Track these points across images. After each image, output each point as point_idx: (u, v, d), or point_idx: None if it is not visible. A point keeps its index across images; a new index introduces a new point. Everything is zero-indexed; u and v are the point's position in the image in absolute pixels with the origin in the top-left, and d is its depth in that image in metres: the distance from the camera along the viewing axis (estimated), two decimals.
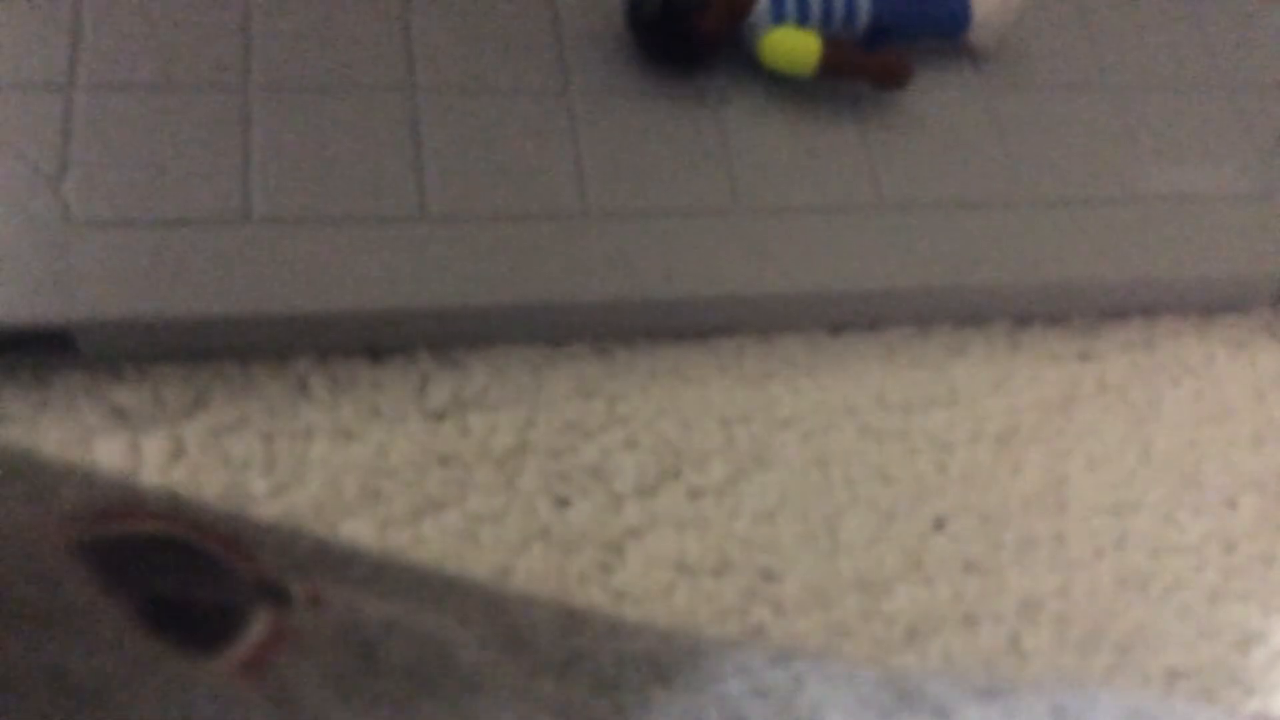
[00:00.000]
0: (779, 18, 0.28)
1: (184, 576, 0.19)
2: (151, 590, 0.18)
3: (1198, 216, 0.30)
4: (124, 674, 0.15)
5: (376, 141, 0.26)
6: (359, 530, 0.24)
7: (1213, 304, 0.30)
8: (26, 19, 0.26)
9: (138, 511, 0.20)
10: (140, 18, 0.27)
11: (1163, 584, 0.26)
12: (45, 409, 0.24)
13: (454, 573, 0.24)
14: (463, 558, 0.24)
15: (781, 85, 0.29)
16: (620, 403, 0.27)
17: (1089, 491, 0.27)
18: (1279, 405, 0.29)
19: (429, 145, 0.26)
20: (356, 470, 0.25)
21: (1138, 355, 0.29)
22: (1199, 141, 0.31)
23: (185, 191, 0.25)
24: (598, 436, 0.26)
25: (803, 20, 0.29)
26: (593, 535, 0.25)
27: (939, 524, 0.26)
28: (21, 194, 0.24)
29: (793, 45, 0.28)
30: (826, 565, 0.26)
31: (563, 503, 0.26)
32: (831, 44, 0.28)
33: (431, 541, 0.24)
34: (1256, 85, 0.33)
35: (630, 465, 0.26)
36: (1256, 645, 0.26)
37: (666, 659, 0.22)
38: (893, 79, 0.29)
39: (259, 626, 0.18)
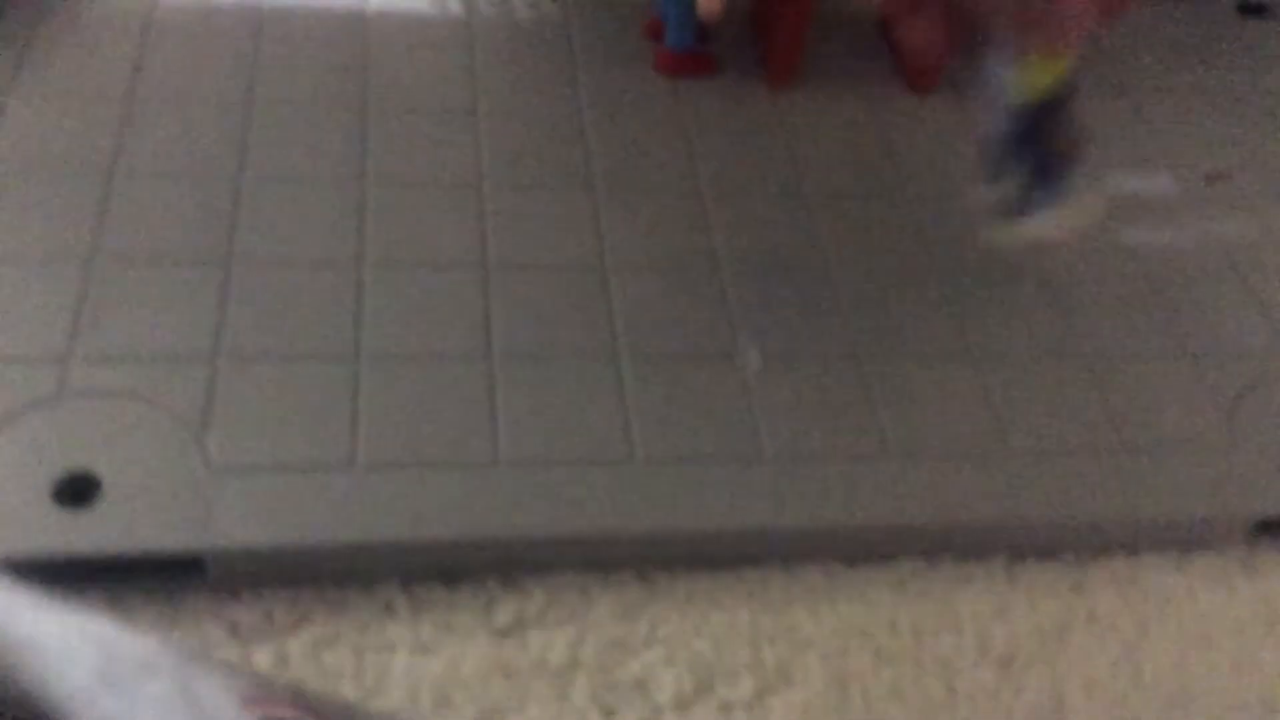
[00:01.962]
0: None
1: None
2: None
3: (1170, 460, 0.34)
4: None
5: (459, 401, 0.32)
6: None
7: (1189, 541, 0.34)
8: (177, 292, 0.33)
9: (274, 699, 0.23)
10: (273, 295, 0.33)
11: None
12: (174, 624, 0.29)
13: None
14: None
15: (797, 342, 0.35)
16: (660, 624, 0.31)
17: (1086, 711, 0.30)
18: (1257, 636, 0.32)
19: (501, 404, 0.32)
20: (432, 681, 0.29)
21: (1124, 588, 0.33)
22: (1167, 391, 0.36)
23: (304, 442, 0.30)
24: (640, 653, 0.30)
25: None
26: None
27: None
28: (171, 443, 0.30)
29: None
30: None
31: (609, 713, 0.29)
32: None
33: None
34: (1216, 354, 0.37)
35: (669, 680, 0.30)
36: None
37: None
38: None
39: None
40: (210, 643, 0.28)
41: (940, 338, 0.36)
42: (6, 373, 0.30)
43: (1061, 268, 0.39)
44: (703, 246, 0.38)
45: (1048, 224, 0.34)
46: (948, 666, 0.31)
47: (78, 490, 0.28)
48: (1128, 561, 0.33)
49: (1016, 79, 0.32)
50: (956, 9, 0.31)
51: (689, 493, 0.31)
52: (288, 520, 0.29)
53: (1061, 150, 0.33)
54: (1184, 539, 0.34)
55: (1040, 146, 0.33)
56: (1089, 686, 0.31)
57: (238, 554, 0.28)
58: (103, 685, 0.16)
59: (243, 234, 0.35)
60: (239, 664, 0.27)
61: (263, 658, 0.28)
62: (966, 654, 0.31)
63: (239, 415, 0.30)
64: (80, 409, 0.30)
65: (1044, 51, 0.31)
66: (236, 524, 0.28)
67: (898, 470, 0.33)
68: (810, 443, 0.33)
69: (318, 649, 0.29)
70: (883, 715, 0.30)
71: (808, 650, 0.31)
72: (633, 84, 0.43)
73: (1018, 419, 0.34)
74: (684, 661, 0.30)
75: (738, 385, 0.34)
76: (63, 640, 0.16)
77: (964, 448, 0.34)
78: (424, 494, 0.30)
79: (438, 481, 0.30)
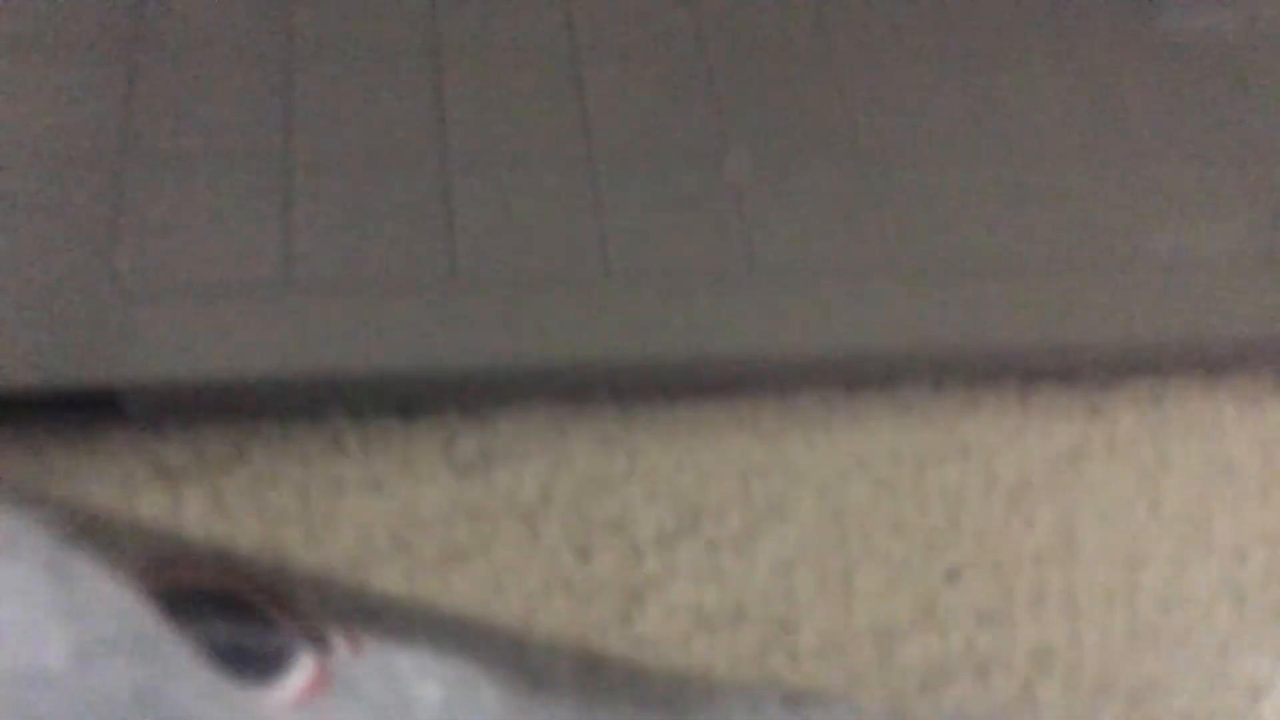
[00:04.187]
0: None
1: (234, 624, 0.20)
2: (207, 635, 0.19)
3: (1204, 278, 0.31)
4: (198, 702, 0.16)
5: (410, 212, 0.28)
6: (389, 579, 0.25)
7: (1220, 363, 0.31)
8: (74, 80, 0.28)
9: (189, 563, 0.21)
10: (188, 85, 0.29)
11: (1173, 635, 0.27)
12: (93, 466, 0.25)
13: (479, 621, 0.25)
14: (488, 605, 0.25)
15: (795, 151, 0.31)
16: (640, 458, 0.28)
17: (1100, 544, 0.28)
18: None
19: (460, 214, 0.28)
20: (387, 522, 0.26)
21: (1146, 412, 0.30)
22: (1204, 204, 0.32)
23: (230, 260, 0.26)
24: (618, 490, 0.27)
25: None
26: (613, 585, 0.26)
27: (952, 575, 0.27)
28: (74, 263, 0.26)
29: None
30: (842, 615, 0.26)
31: (584, 554, 0.26)
32: None
33: (458, 590, 0.25)
34: (1259, 148, 0.34)
35: (650, 518, 0.27)
36: (1267, 695, 0.26)
37: (682, 704, 0.23)
38: None
39: (304, 670, 0.19)
40: (135, 486, 0.25)
41: (960, 135, 0.32)
42: None
43: (1099, 53, 0.34)
44: (688, 27, 0.33)
45: None
46: (952, 498, 0.28)
47: None
48: (1151, 384, 0.30)
49: None
50: None
51: (671, 314, 0.28)
52: (214, 350, 0.25)
53: None
54: (1213, 359, 0.31)
55: None
56: (1103, 519, 0.28)
57: (157, 389, 0.25)
58: None
59: (151, 16, 0.30)
60: (156, 523, 0.24)
61: (195, 501, 0.25)
62: (973, 485, 0.28)
63: (153, 228, 0.26)
64: None
65: None
66: (153, 354, 0.25)
67: (904, 288, 0.29)
68: (807, 257, 0.29)
69: (257, 489, 0.26)
70: (882, 551, 0.27)
71: (801, 483, 0.28)
72: None
73: (1036, 230, 0.31)
74: (666, 497, 0.27)
75: (729, 188, 0.30)
76: None
77: (977, 263, 0.30)
78: (373, 318, 0.26)
79: (388, 304, 0.27)
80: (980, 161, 0.32)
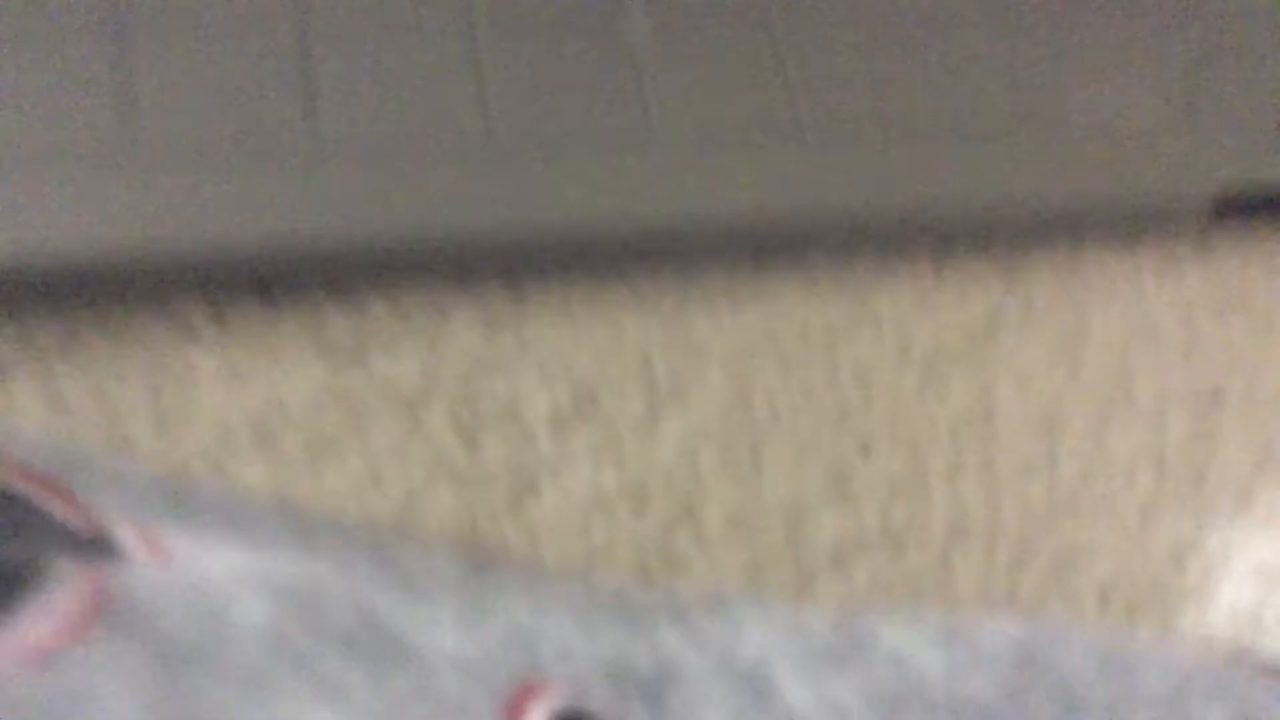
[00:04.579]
0: None
1: None
2: None
3: (1121, 138, 0.29)
4: None
5: (266, 70, 0.25)
6: (252, 476, 0.23)
7: (1139, 222, 0.30)
8: None
9: None
10: None
11: (1093, 503, 0.26)
12: None
13: (335, 515, 0.22)
14: (365, 501, 0.23)
15: (694, 8, 0.28)
16: (531, 338, 0.26)
17: (1017, 413, 0.27)
18: (1207, 321, 0.29)
19: (324, 75, 0.25)
20: (249, 414, 0.23)
21: (1064, 278, 0.29)
22: (1117, 61, 0.31)
23: (56, 121, 0.23)
24: (508, 373, 0.25)
25: None
26: (504, 472, 0.24)
27: (864, 449, 0.26)
28: None
29: None
30: (749, 495, 0.25)
31: (472, 440, 0.24)
32: None
33: (331, 485, 0.23)
34: (1177, 5, 0.32)
35: (543, 401, 0.25)
36: (1190, 558, 0.25)
37: (588, 609, 0.20)
38: None
39: (64, 592, 0.13)
40: None
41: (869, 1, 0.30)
42: None
43: None
44: None
45: None
46: (865, 371, 0.27)
47: None
48: (1069, 249, 0.29)
49: None
50: None
51: (561, 182, 0.25)
52: (42, 225, 0.22)
53: None
54: (1132, 223, 0.30)
55: None
56: (1021, 386, 0.27)
57: None
58: None
59: None
60: None
61: (29, 396, 0.23)
62: (886, 356, 0.27)
63: None
64: None
65: None
66: None
67: (809, 152, 0.27)
68: (709, 122, 0.27)
69: (100, 383, 0.23)
70: (791, 427, 0.26)
71: (706, 361, 0.26)
72: None
73: (949, 91, 0.29)
74: (561, 380, 0.25)
75: (622, 53, 0.27)
76: None
77: (886, 125, 0.28)
78: (225, 189, 0.23)
79: (243, 173, 0.24)
80: (890, 19, 0.30)
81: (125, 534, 0.15)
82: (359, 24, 0.26)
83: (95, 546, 0.15)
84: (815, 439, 0.25)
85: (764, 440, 0.25)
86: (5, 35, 0.24)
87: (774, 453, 0.25)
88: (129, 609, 0.14)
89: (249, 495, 0.20)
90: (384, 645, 0.16)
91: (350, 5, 0.26)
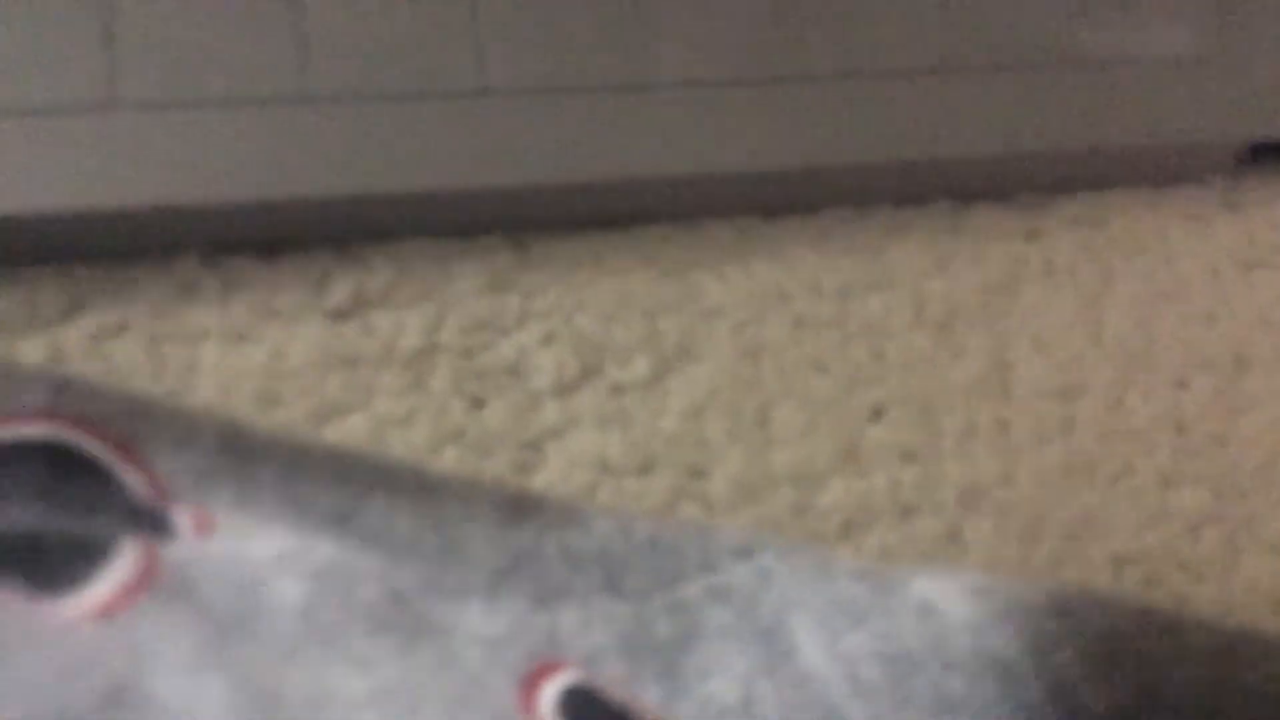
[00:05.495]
0: None
1: (49, 500, 0.16)
2: (4, 521, 0.16)
3: (1147, 81, 0.28)
4: None
5: (255, 17, 0.24)
6: None
7: (1166, 176, 0.29)
8: None
9: (16, 411, 0.17)
10: None
11: (1111, 469, 0.25)
12: None
13: (386, 460, 0.22)
14: None
15: None
16: (536, 297, 0.25)
17: (1034, 376, 0.26)
18: (1235, 281, 0.28)
19: (312, 19, 0.24)
20: (251, 374, 0.23)
21: (1087, 232, 0.28)
22: (1144, 6, 0.29)
23: (42, 76, 0.23)
24: (513, 333, 0.25)
25: None
26: (510, 436, 0.24)
27: (876, 414, 0.25)
28: None
29: None
30: (757, 460, 0.24)
31: (477, 403, 0.24)
32: None
33: None
34: None
35: (548, 362, 0.25)
36: (1208, 529, 0.25)
37: (618, 557, 0.20)
38: None
39: (124, 563, 0.15)
40: None
41: None
42: None
43: None
44: None
45: None
46: (878, 331, 0.26)
47: None
48: (1092, 201, 0.28)
49: None
50: None
51: (564, 132, 0.25)
52: (38, 182, 0.22)
53: None
54: (1158, 172, 0.28)
55: None
56: (1039, 347, 0.26)
57: None
58: None
59: None
60: None
61: (31, 357, 0.22)
62: (900, 315, 0.26)
63: None
64: None
65: None
66: None
67: (823, 98, 0.26)
68: (715, 67, 0.26)
69: (100, 341, 0.23)
70: (802, 389, 0.25)
71: (714, 320, 0.26)
72: None
73: (966, 30, 0.28)
74: (566, 340, 0.25)
75: (623, 3, 0.27)
76: None
77: (901, 69, 0.27)
78: (218, 142, 0.23)
79: (235, 124, 0.23)
80: None
81: (180, 514, 0.17)
82: None
83: (154, 522, 0.17)
84: (825, 402, 0.25)
85: (772, 403, 0.25)
86: None
87: (783, 416, 0.25)
88: (178, 580, 0.16)
89: (309, 455, 0.20)
90: (410, 622, 0.17)
91: None
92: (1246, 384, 0.27)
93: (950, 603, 0.18)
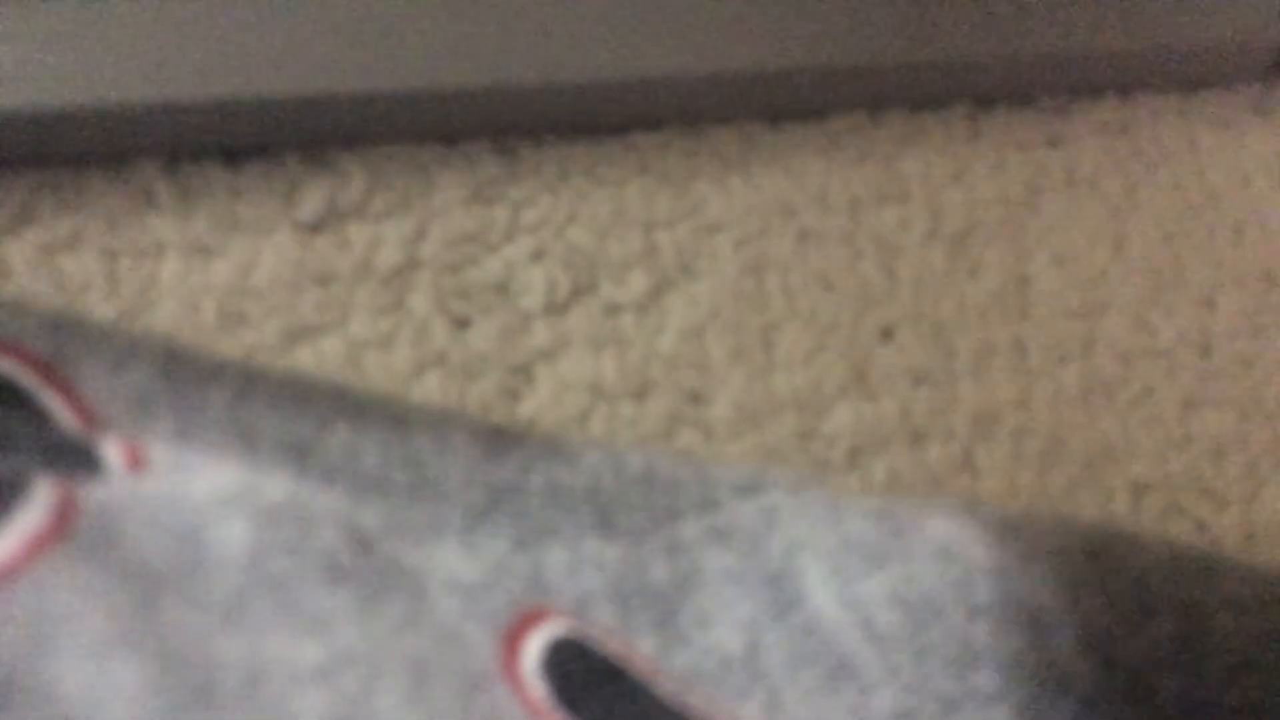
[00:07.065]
0: None
1: None
2: None
3: None
4: None
5: None
6: None
7: (1195, 80, 0.27)
8: None
9: None
10: None
11: (1132, 391, 0.24)
12: None
13: (354, 393, 0.20)
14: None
15: None
16: (525, 209, 0.23)
17: (1054, 293, 0.25)
18: (1266, 192, 0.26)
19: None
20: (216, 291, 0.21)
21: (1111, 139, 0.26)
22: None
23: None
24: (500, 248, 0.23)
25: None
26: (497, 359, 0.22)
27: (886, 334, 0.24)
28: None
29: None
30: (760, 384, 0.23)
31: (461, 323, 0.22)
32: None
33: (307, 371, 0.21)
34: None
35: (538, 279, 0.23)
36: (1232, 453, 0.24)
37: (610, 494, 0.18)
38: None
39: (34, 509, 0.13)
40: None
41: None
42: None
43: None
44: None
45: None
46: (889, 246, 0.24)
47: None
48: (1118, 106, 0.26)
49: None
50: None
51: (557, 32, 0.23)
52: None
53: None
54: (1187, 76, 0.27)
55: None
56: (1059, 263, 0.25)
57: None
58: None
59: None
60: None
61: None
62: (913, 230, 0.25)
63: None
64: None
65: None
66: None
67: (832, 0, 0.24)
68: None
69: (50, 255, 0.21)
70: (807, 308, 0.24)
71: (715, 234, 0.24)
72: None
73: None
74: (557, 256, 0.23)
75: None
76: None
77: None
78: (178, 36, 0.21)
79: (197, 16, 0.21)
80: None
81: (109, 447, 0.14)
82: None
83: (77, 457, 0.14)
84: (833, 322, 0.23)
85: (777, 323, 0.23)
86: None
87: (787, 337, 0.23)
88: (99, 529, 0.13)
89: (263, 380, 0.18)
90: (374, 570, 0.15)
91: None
92: (1276, 302, 0.25)
93: (973, 543, 0.17)
